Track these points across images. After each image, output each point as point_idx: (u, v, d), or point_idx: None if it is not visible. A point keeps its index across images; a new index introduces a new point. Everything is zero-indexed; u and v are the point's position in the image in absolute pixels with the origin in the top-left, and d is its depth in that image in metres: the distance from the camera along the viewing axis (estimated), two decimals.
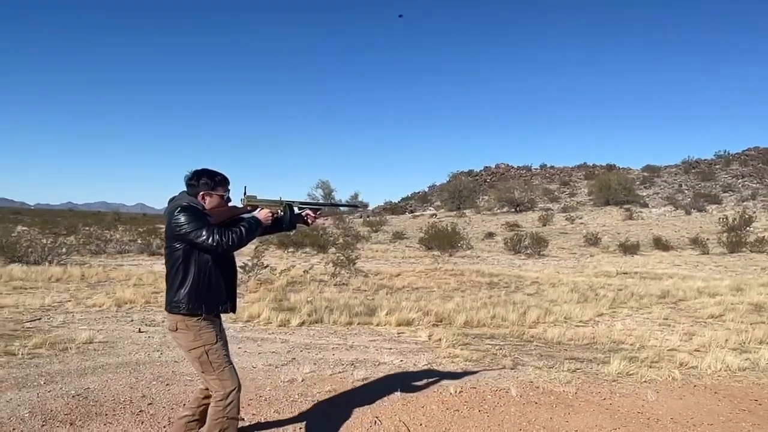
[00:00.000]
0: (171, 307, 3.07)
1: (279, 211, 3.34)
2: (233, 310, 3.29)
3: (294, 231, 3.61)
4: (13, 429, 3.71)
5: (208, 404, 3.21)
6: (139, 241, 21.50)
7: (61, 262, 15.70)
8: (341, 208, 63.88)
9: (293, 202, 3.40)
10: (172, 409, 4.24)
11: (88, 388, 4.62)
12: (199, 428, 3.33)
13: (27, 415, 3.96)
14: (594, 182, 59.03)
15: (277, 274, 12.81)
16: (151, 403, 4.31)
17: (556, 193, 64.98)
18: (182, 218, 2.96)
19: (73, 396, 4.39)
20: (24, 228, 20.70)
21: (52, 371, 5.05)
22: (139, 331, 6.96)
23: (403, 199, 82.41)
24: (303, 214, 3.44)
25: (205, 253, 3.04)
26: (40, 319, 7.61)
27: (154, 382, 4.86)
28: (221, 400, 3.10)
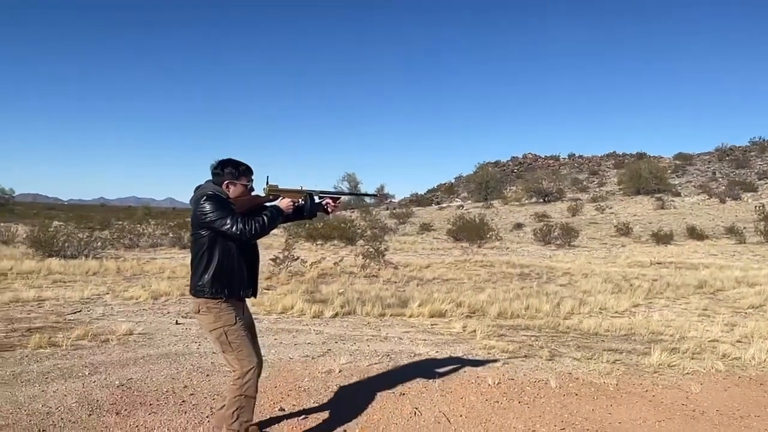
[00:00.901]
0: (195, 291, 3.18)
1: (300, 199, 3.40)
2: (254, 294, 3.40)
3: (314, 219, 3.69)
4: (62, 418, 3.79)
5: None
6: (171, 235, 21.80)
7: (97, 256, 16.02)
8: (367, 200, 63.98)
9: (314, 191, 3.46)
10: (213, 399, 4.29)
11: (131, 378, 4.70)
12: None
13: (74, 404, 4.05)
14: (624, 171, 57.98)
15: (308, 267, 12.88)
16: (192, 394, 4.37)
17: (584, 183, 64.04)
18: (207, 207, 3.06)
19: (117, 386, 4.47)
20: (60, 223, 21.13)
21: (95, 362, 5.16)
22: (176, 323, 7.07)
23: (429, 191, 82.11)
24: (323, 202, 3.49)
25: (229, 241, 3.13)
26: (80, 311, 7.78)
27: (195, 373, 4.93)
28: (239, 378, 3.19)
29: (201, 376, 4.83)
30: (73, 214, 39.52)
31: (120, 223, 27.97)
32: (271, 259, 13.07)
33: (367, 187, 73.54)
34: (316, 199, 3.47)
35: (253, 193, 3.32)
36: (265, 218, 3.13)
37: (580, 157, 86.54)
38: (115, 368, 4.98)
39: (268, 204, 3.31)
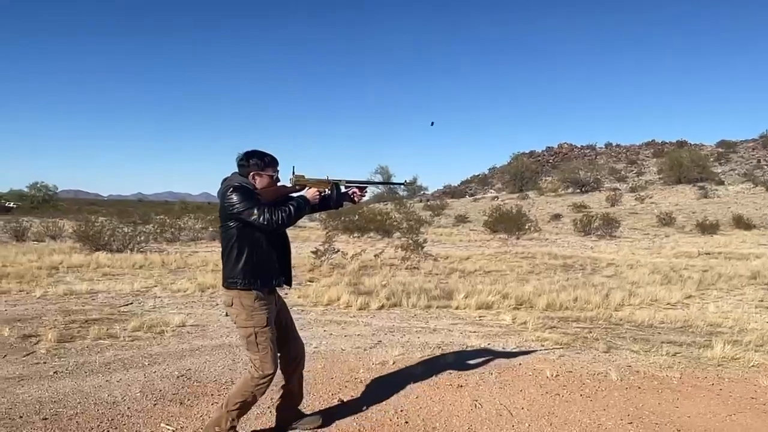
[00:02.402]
0: (228, 282, 3.17)
1: (326, 189, 3.39)
2: (288, 283, 3.38)
3: (341, 208, 3.70)
4: (128, 408, 3.86)
5: (292, 383, 3.52)
6: (211, 229, 22.15)
7: (141, 249, 16.40)
8: (400, 192, 63.85)
9: (340, 180, 3.45)
10: (272, 389, 4.28)
11: (190, 369, 4.76)
12: (289, 405, 3.60)
13: (139, 394, 4.12)
14: (664, 160, 56.63)
15: (349, 259, 12.90)
16: None
17: (623, 173, 62.75)
18: (234, 198, 3.06)
19: (177, 377, 4.54)
20: (105, 218, 21.69)
21: (152, 353, 5.25)
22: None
23: (462, 182, 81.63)
24: (349, 192, 3.48)
25: (258, 231, 3.12)
26: (132, 303, 7.94)
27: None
28: (257, 377, 3.21)
29: None
30: (114, 210, 40.53)
31: (160, 217, 28.55)
32: (312, 252, 13.15)
33: (400, 179, 73.31)
34: (342, 189, 3.46)
35: (279, 184, 3.31)
36: (292, 208, 3.14)
37: (618, 146, 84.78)
38: (172, 359, 5.05)
39: (294, 194, 3.32)
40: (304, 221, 34.64)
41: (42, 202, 53.60)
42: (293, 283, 3.54)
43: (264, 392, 3.29)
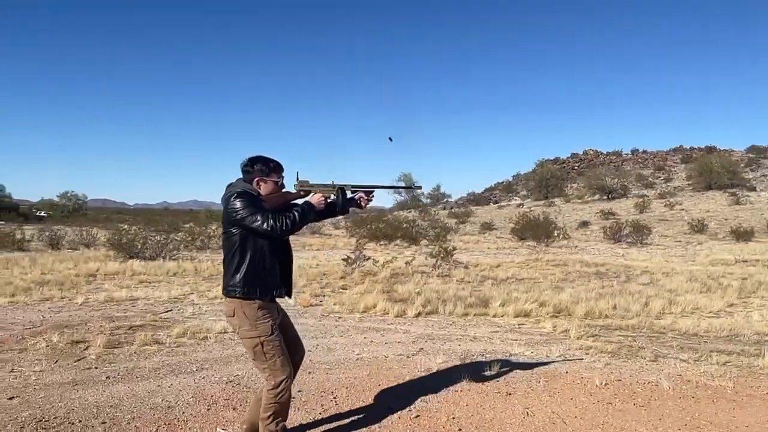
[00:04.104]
0: (227, 291, 3.09)
1: (332, 195, 3.30)
2: (288, 294, 3.27)
3: (347, 215, 3.56)
4: (183, 412, 3.90)
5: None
6: None
7: (173, 257, 16.62)
8: (422, 200, 63.72)
9: (345, 185, 3.34)
10: (321, 395, 4.32)
11: (237, 375, 4.80)
12: None
13: (191, 399, 4.16)
14: (693, 166, 55.69)
15: (380, 266, 12.91)
16: (300, 390, 4.40)
17: (650, 179, 61.81)
18: (238, 204, 2.98)
19: (227, 382, 4.58)
20: (136, 227, 22.03)
21: (199, 359, 5.31)
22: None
23: (486, 190, 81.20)
24: (356, 197, 3.37)
25: (261, 238, 3.04)
26: (171, 310, 8.04)
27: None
28: (273, 389, 3.12)
29: (304, 374, 4.87)
30: (141, 218, 41.18)
31: (187, 226, 28.92)
32: (343, 259, 13.19)
33: (424, 187, 73.08)
34: (349, 194, 3.36)
35: (283, 190, 3.24)
36: (296, 214, 3.04)
37: (644, 152, 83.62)
38: (219, 365, 5.10)
39: (299, 200, 3.24)
40: (329, 229, 34.79)
41: (72, 211, 54.77)
42: (293, 293, 3.40)
43: (289, 395, 3.19)
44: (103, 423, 3.70)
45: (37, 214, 52.51)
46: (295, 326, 3.49)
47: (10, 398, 4.15)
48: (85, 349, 5.58)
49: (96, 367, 4.98)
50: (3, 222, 33.67)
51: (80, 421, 3.73)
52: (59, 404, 4.03)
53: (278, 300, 3.27)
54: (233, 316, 3.10)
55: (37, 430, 3.58)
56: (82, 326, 6.68)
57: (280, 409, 3.20)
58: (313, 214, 3.18)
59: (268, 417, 3.17)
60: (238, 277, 3.03)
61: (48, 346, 5.67)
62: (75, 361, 5.17)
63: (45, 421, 3.71)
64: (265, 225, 2.93)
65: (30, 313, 7.64)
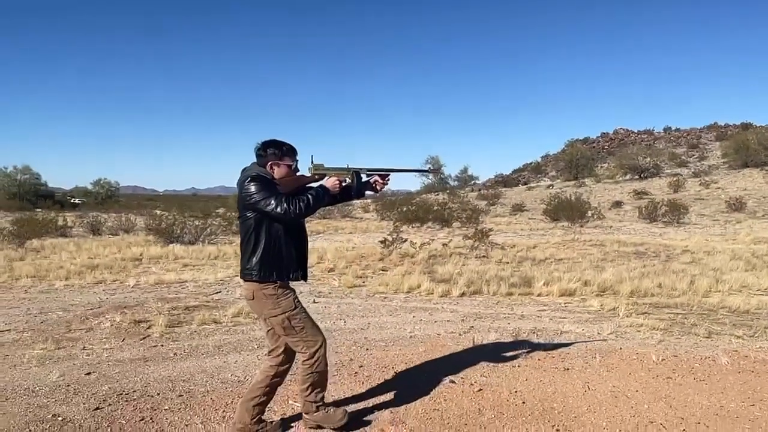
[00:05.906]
0: (244, 274, 3.12)
1: (347, 178, 3.29)
2: (304, 278, 3.28)
3: (361, 199, 3.55)
4: None
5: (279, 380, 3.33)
6: None
7: (212, 242, 16.97)
8: (450, 182, 63.45)
9: (360, 169, 3.33)
10: (382, 371, 4.43)
11: None
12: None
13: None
14: (728, 143, 54.19)
15: (417, 248, 12.99)
16: (361, 366, 4.53)
17: (683, 157, 60.47)
18: (252, 188, 2.99)
19: None
20: (171, 213, 22.52)
21: (257, 337, 5.47)
22: (314, 302, 7.34)
23: (514, 171, 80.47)
24: (371, 180, 3.36)
25: (276, 222, 3.07)
26: (220, 292, 8.26)
27: (354, 348, 5.12)
28: (308, 359, 3.17)
29: (362, 351, 5.01)
30: (172, 204, 41.92)
31: (220, 210, 29.36)
32: (380, 242, 13.30)
33: (451, 169, 72.74)
34: (364, 178, 3.34)
35: (298, 174, 3.24)
36: (310, 197, 3.04)
37: (677, 130, 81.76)
38: None
39: (313, 184, 3.23)
40: (359, 212, 34.97)
41: (105, 198, 55.97)
42: (308, 277, 3.38)
43: (325, 364, 3.23)
44: (180, 396, 3.87)
45: (72, 201, 53.81)
46: (342, 306, 3.55)
47: (88, 374, 4.35)
48: (147, 328, 5.80)
49: (162, 345, 5.19)
50: (40, 210, 34.63)
51: (158, 394, 3.91)
52: (135, 378, 4.23)
53: (293, 285, 3.24)
54: (253, 299, 3.14)
55: (119, 401, 3.77)
56: (140, 307, 6.91)
57: (319, 379, 3.26)
58: (327, 198, 3.19)
59: (307, 388, 3.25)
60: (255, 260, 3.07)
61: (112, 325, 5.91)
62: (140, 339, 5.39)
63: (126, 394, 3.90)
64: (278, 208, 2.95)
65: (87, 295, 7.93)
